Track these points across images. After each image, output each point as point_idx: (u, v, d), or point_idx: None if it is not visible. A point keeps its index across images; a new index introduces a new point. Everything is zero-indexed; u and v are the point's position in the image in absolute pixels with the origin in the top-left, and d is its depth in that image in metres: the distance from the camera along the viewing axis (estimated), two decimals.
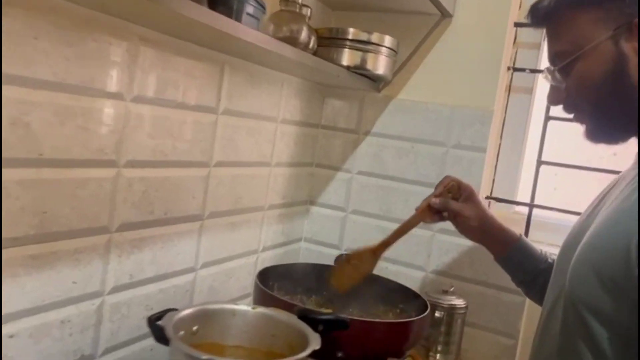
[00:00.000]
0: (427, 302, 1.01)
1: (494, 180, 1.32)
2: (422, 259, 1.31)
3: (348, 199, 1.39)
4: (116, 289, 0.88)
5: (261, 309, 0.77)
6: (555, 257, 0.97)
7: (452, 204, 0.97)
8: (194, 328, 0.72)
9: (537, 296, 0.96)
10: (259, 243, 1.25)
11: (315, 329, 0.76)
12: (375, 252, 1.04)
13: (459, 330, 1.18)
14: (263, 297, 0.90)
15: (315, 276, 1.11)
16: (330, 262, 1.27)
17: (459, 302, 1.18)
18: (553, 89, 0.80)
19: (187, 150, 0.97)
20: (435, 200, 0.98)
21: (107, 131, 0.81)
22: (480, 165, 1.25)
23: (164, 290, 0.99)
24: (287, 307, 0.81)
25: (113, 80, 0.80)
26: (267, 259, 1.29)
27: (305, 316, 0.76)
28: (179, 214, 0.99)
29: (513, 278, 1.00)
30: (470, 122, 1.26)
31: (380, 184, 1.35)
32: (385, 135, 1.35)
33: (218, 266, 1.12)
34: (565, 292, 0.73)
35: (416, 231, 1.30)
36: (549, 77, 0.79)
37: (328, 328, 0.77)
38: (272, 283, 1.06)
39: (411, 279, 1.31)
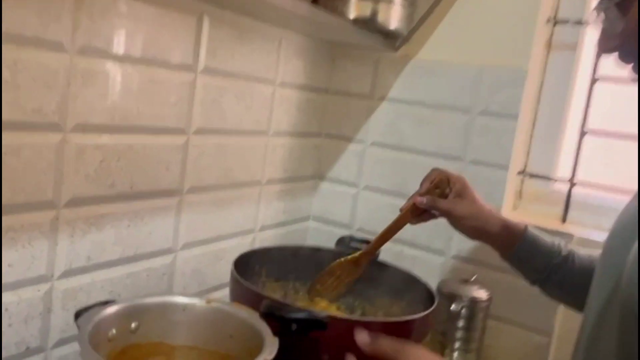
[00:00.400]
0: (435, 295, 0.85)
1: (528, 153, 1.13)
2: (443, 242, 1.15)
3: (360, 173, 1.24)
4: (69, 273, 0.77)
5: (217, 304, 0.64)
6: (572, 249, 0.80)
7: (440, 202, 0.83)
8: (133, 325, 0.60)
9: (556, 294, 0.80)
10: (255, 222, 1.12)
11: (288, 329, 0.63)
12: (358, 263, 0.92)
13: (481, 325, 1.02)
14: (234, 284, 0.76)
15: (311, 260, 0.97)
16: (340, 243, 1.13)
17: (480, 293, 1.01)
18: (605, 32, 0.61)
19: (157, 114, 0.84)
20: (422, 200, 0.84)
21: (44, 88, 0.68)
22: (511, 135, 1.07)
23: (134, 274, 0.87)
24: (256, 299, 0.67)
25: (47, 27, 0.67)
26: (267, 239, 1.16)
27: (273, 313, 0.62)
28: (149, 188, 0.86)
29: (525, 278, 0.84)
30: (501, 84, 1.08)
31: (396, 156, 1.19)
32: (403, 101, 1.18)
33: (204, 247, 1.00)
34: (623, 297, 0.55)
35: None
36: (602, 15, 0.60)
37: (303, 328, 0.63)
38: (259, 267, 0.93)
39: (429, 265, 1.15)
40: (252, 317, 0.61)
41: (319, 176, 1.28)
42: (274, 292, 0.94)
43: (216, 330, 0.62)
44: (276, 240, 1.18)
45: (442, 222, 0.95)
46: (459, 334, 1.02)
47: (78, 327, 0.54)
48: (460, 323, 1.01)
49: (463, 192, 0.83)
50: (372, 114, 1.21)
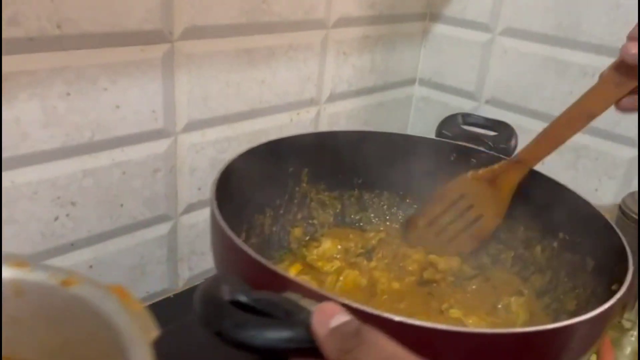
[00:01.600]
0: (624, 242, 0.41)
1: None
2: (629, 121, 0.66)
3: (498, 8, 0.75)
4: None
5: (83, 289, 0.27)
6: None
7: None
8: None
9: None
10: (319, 87, 0.72)
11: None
12: (496, 182, 0.48)
13: None
14: (214, 224, 0.39)
15: (406, 156, 0.57)
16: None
17: None
18: None
19: None
20: (632, 51, 0.40)
21: None
22: None
23: (97, 171, 0.54)
24: (251, 268, 0.30)
25: None
26: (342, 115, 0.77)
27: (209, 323, 0.25)
28: (99, 29, 0.50)
29: None
30: None
31: None
32: None
33: (226, 127, 0.64)
34: None
35: None
36: None
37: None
38: (298, 167, 0.55)
39: (605, 165, 0.69)
40: (137, 334, 0.25)
41: (431, 14, 0.82)
42: (322, 208, 0.57)
43: (77, 348, 0.27)
44: (358, 118, 0.79)
45: None
46: None
47: None
48: None
49: None
50: None
